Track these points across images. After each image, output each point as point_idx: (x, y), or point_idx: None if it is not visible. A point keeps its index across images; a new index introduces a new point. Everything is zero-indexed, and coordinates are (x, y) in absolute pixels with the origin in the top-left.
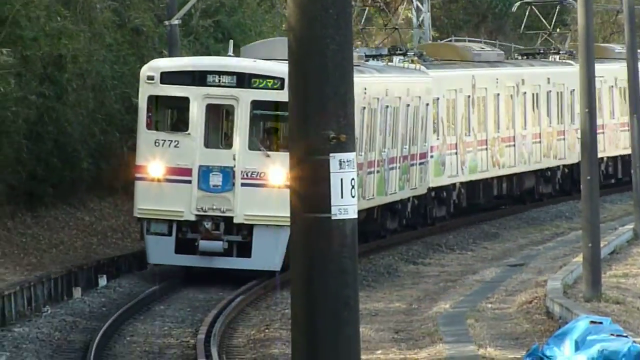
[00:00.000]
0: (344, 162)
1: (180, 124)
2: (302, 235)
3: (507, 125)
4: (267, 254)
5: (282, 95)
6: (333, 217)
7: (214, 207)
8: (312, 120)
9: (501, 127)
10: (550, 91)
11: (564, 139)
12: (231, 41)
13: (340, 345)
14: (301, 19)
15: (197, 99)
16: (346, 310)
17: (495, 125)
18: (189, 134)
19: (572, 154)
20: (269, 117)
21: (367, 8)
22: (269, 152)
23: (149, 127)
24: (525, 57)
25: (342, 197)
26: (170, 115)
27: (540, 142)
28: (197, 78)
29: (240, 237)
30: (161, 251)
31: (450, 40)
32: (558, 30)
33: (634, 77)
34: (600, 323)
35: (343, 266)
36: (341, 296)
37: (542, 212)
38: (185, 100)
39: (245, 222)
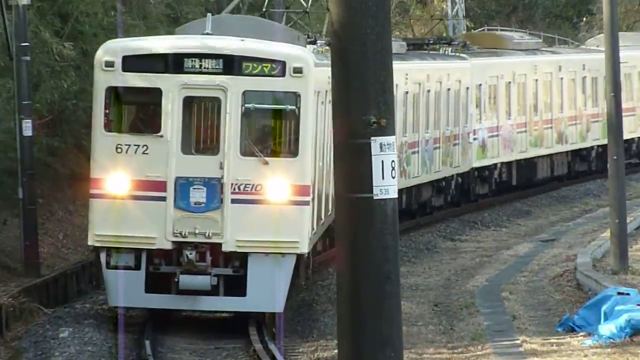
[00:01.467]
0: (384, 145)
1: (149, 123)
2: (346, 214)
3: (545, 108)
4: (266, 291)
5: (283, 84)
6: (375, 197)
7: (197, 231)
8: (354, 105)
9: (540, 110)
10: (585, 77)
11: (598, 121)
12: (209, 15)
13: (384, 316)
14: (343, 10)
15: (172, 91)
16: (388, 283)
17: (534, 108)
18: (161, 136)
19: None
20: (266, 112)
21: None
22: (266, 159)
23: (107, 128)
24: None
25: (383, 179)
26: (136, 112)
27: (576, 124)
28: (172, 63)
29: (231, 269)
30: (127, 290)
31: (483, 30)
32: (584, 19)
33: None
34: (628, 294)
35: (385, 243)
36: (383, 271)
37: (571, 191)
38: (156, 93)
39: (238, 250)
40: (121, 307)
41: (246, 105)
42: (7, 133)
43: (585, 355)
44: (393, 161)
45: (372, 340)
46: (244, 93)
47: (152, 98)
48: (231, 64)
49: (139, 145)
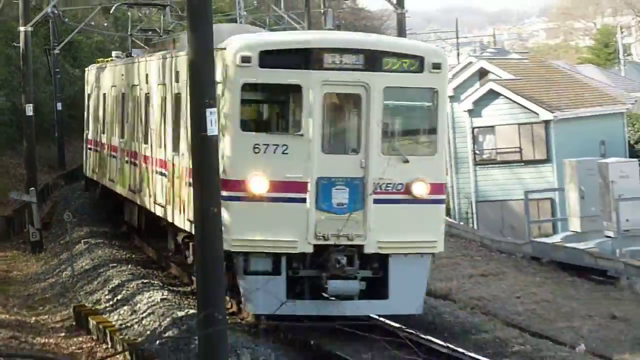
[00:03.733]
0: None
1: (288, 121)
2: None
3: None
4: (407, 292)
5: (422, 80)
6: None
7: (340, 234)
8: None
9: None
10: None
11: None
12: (330, 10)
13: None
14: None
15: (312, 87)
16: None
17: None
18: (301, 135)
19: None
20: (405, 109)
21: None
22: (407, 157)
23: (244, 127)
24: None
25: None
26: (275, 110)
27: None
28: (312, 59)
29: (370, 271)
30: (267, 297)
31: None
32: None
33: None
34: None
35: None
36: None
37: None
38: (296, 90)
39: (380, 251)
40: (262, 316)
41: (386, 102)
42: (49, 109)
43: None
44: None
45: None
46: (385, 90)
47: (291, 95)
48: (372, 60)
49: (278, 145)
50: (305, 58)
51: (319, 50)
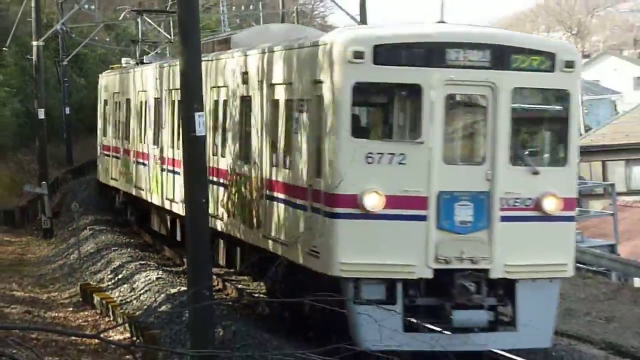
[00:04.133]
0: None
1: (406, 127)
2: None
3: None
4: (537, 323)
5: (553, 80)
6: None
7: (463, 256)
8: None
9: None
10: None
11: None
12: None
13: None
14: None
15: (434, 88)
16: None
17: None
18: (421, 142)
19: None
20: (534, 113)
21: None
22: (537, 168)
23: (355, 133)
24: None
25: None
26: (391, 113)
27: None
28: (434, 54)
29: (496, 299)
30: (381, 329)
31: None
32: None
33: None
34: None
35: None
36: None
37: None
38: (415, 90)
39: (507, 276)
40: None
41: (514, 105)
42: (59, 113)
43: None
44: None
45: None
46: (513, 91)
47: (409, 96)
48: (500, 57)
49: (394, 154)
50: (426, 54)
51: (442, 45)
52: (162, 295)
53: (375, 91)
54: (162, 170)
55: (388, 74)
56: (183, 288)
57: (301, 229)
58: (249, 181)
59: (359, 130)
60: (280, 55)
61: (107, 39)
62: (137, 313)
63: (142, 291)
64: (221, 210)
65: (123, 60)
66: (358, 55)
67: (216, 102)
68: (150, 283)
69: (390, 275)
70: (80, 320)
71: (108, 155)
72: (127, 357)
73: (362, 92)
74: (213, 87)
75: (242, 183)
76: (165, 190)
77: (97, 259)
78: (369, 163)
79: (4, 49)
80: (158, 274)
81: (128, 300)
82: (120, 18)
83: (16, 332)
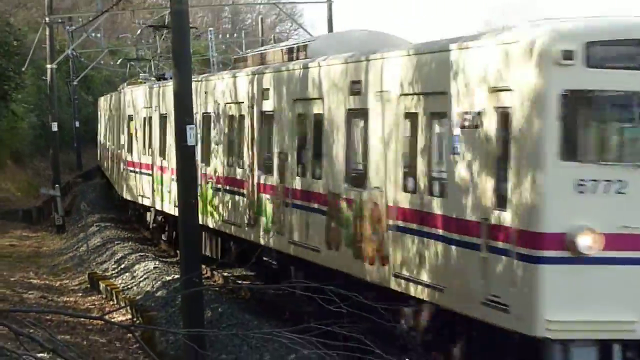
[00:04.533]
0: None
1: (625, 146)
2: None
3: None
4: None
5: None
6: None
7: None
8: None
9: None
10: None
11: None
12: None
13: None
14: None
15: None
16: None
17: None
18: None
19: None
20: None
21: None
22: None
23: (565, 155)
24: None
25: None
26: (606, 130)
27: None
28: None
29: None
30: None
31: None
32: None
33: None
34: None
35: None
36: None
37: None
38: (635, 99)
39: None
40: None
41: None
42: (69, 126)
43: None
44: None
45: None
46: None
47: (630, 108)
48: None
49: (611, 181)
50: None
51: None
52: (159, 282)
53: (587, 101)
54: (217, 190)
55: (604, 79)
56: (176, 276)
57: (468, 271)
58: (365, 209)
59: (567, 151)
60: (415, 60)
61: (112, 63)
62: (137, 297)
63: (141, 279)
64: (317, 240)
65: (141, 75)
66: (567, 55)
67: (301, 116)
68: (148, 272)
69: (607, 335)
70: (88, 304)
71: (135, 172)
72: (128, 335)
73: (571, 103)
74: (298, 99)
75: (353, 211)
76: (223, 211)
77: (103, 251)
78: (580, 192)
79: (22, 71)
80: (155, 264)
81: (129, 286)
82: (138, 33)
83: (33, 315)
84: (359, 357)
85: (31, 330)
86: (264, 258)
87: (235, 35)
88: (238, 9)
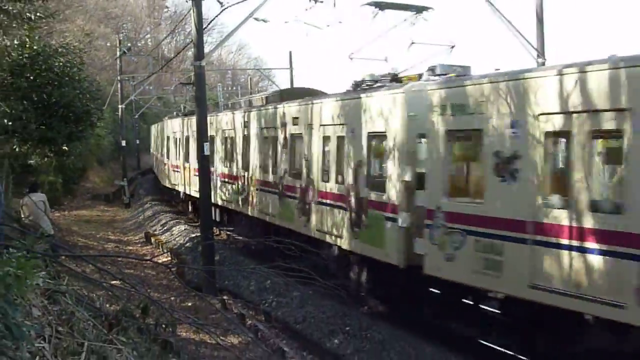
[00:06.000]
0: None
1: None
2: None
3: None
4: None
5: None
6: None
7: None
8: None
9: None
10: None
11: None
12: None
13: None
14: None
15: None
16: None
17: None
18: None
19: None
20: None
21: None
22: None
23: None
24: None
25: None
26: None
27: None
28: None
29: None
30: None
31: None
32: None
33: None
34: None
35: None
36: None
37: None
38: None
39: None
40: None
41: None
42: (133, 142)
43: None
44: None
45: None
46: None
47: None
48: None
49: None
50: None
51: None
52: (187, 238)
53: None
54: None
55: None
56: (198, 234)
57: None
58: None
59: None
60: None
61: (158, 105)
62: (174, 247)
63: (177, 236)
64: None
65: (175, 113)
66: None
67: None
68: (181, 232)
69: None
70: (144, 251)
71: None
72: (168, 270)
73: None
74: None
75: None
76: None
77: (153, 219)
78: None
79: (103, 109)
80: (185, 227)
81: (170, 240)
82: (174, 86)
83: (110, 258)
84: (305, 281)
85: (108, 267)
86: (250, 222)
87: (234, 87)
88: (236, 72)
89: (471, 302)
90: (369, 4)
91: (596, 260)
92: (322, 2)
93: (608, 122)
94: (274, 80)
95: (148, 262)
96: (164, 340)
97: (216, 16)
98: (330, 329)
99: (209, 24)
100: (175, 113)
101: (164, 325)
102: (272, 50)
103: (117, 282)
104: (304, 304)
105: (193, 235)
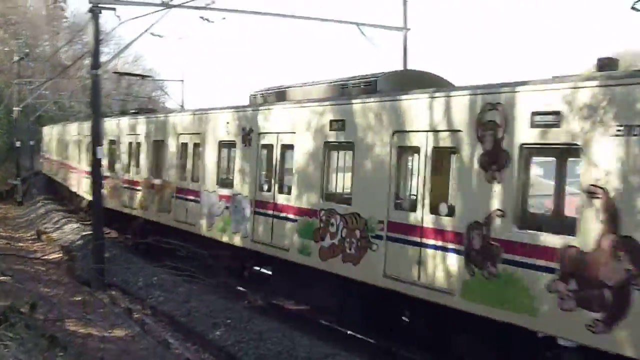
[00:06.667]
0: None
1: None
2: None
3: None
4: None
5: None
6: None
7: None
8: None
9: None
10: None
11: None
12: None
13: None
14: None
15: None
16: None
17: None
18: None
19: None
20: None
21: None
22: None
23: None
24: None
25: None
26: None
27: None
28: None
29: None
30: None
31: None
32: None
33: None
34: None
35: None
36: None
37: None
38: None
39: None
40: None
41: None
42: (26, 143)
43: None
44: None
45: None
46: None
47: None
48: None
49: None
50: None
51: None
52: (79, 235)
53: None
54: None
55: None
56: (90, 232)
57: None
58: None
59: None
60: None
61: (54, 108)
62: (65, 244)
63: (69, 233)
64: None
65: (70, 118)
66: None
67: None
68: (73, 229)
69: None
70: (36, 248)
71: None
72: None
73: None
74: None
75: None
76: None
77: (45, 217)
78: None
79: None
80: (77, 225)
81: (62, 237)
82: (106, 77)
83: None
84: (190, 279)
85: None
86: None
87: (128, 96)
88: (131, 81)
89: None
90: None
91: None
92: (213, 22)
93: None
94: (166, 90)
95: (38, 259)
96: (50, 335)
97: (113, 29)
98: (213, 322)
99: (105, 36)
100: (69, 119)
101: (52, 321)
102: (165, 63)
103: (6, 278)
104: (189, 299)
105: (85, 233)
